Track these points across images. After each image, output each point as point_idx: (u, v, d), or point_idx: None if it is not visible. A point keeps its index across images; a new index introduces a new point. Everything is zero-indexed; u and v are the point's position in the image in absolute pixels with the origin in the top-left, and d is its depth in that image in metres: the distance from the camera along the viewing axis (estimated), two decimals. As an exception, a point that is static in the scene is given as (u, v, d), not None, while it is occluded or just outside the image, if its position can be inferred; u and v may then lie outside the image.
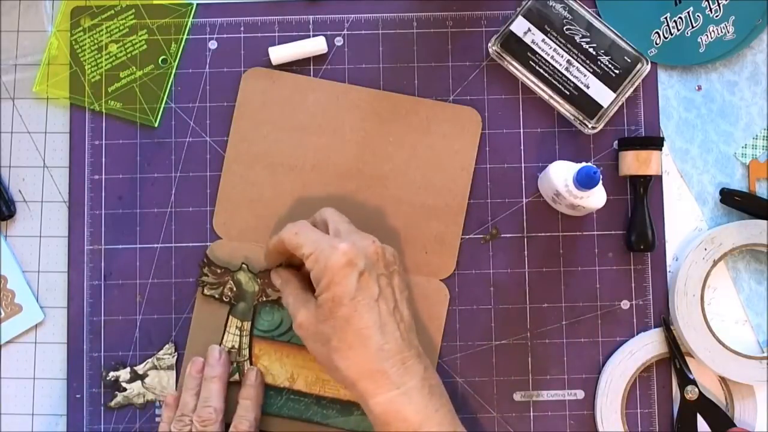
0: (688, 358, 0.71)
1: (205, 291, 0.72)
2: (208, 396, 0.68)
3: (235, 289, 0.72)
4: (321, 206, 0.72)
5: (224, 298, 0.72)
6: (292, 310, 0.65)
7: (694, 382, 0.71)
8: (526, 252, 0.73)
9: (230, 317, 0.72)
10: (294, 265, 0.70)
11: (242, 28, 0.75)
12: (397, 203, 0.73)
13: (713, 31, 0.73)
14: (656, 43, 0.74)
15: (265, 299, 0.72)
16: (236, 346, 0.71)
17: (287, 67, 0.74)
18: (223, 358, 0.70)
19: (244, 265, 0.72)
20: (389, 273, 0.64)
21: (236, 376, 0.71)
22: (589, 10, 0.73)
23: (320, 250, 0.62)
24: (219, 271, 0.72)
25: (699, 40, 0.73)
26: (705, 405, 0.71)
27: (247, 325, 0.72)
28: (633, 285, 0.73)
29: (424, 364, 0.62)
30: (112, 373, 0.72)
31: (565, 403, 0.72)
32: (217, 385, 0.69)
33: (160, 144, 0.74)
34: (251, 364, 0.71)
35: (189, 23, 0.75)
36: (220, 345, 0.71)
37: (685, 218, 0.74)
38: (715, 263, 0.71)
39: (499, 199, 0.74)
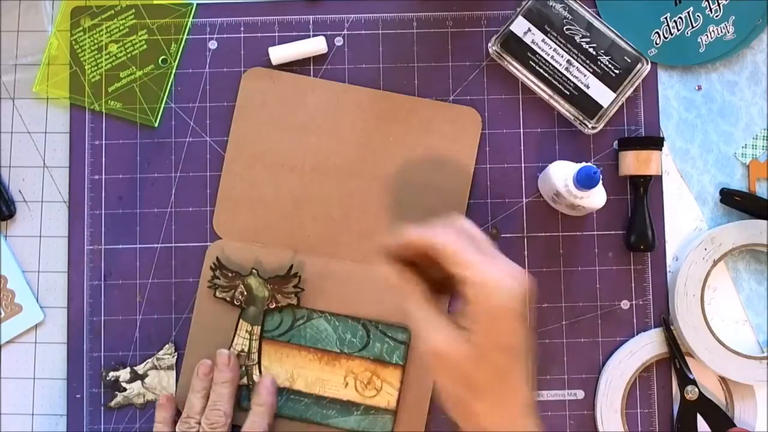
0: (688, 358, 0.71)
1: (217, 294, 0.72)
2: (218, 400, 0.68)
3: (246, 293, 0.72)
4: (321, 206, 0.72)
5: (235, 302, 0.72)
6: (423, 328, 0.54)
7: (694, 382, 0.71)
8: (526, 252, 0.73)
9: (241, 321, 0.72)
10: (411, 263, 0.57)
11: (242, 28, 0.75)
12: (397, 203, 0.73)
13: (713, 31, 0.73)
14: (656, 43, 0.74)
15: (274, 305, 0.71)
16: (245, 349, 0.71)
17: (287, 67, 0.74)
18: (232, 363, 0.70)
19: (254, 270, 0.72)
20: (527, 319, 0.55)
21: (244, 380, 0.71)
22: (589, 10, 0.73)
23: (492, 285, 0.51)
24: (230, 274, 0.72)
25: (699, 40, 0.73)
26: (705, 405, 0.71)
27: (257, 329, 0.71)
28: (633, 285, 0.73)
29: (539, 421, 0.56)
30: (112, 373, 0.72)
31: (565, 403, 0.72)
32: (227, 390, 0.69)
33: (160, 144, 0.74)
34: (260, 368, 0.71)
35: (189, 23, 0.75)
36: (228, 349, 0.71)
37: (685, 218, 0.74)
38: (715, 263, 0.71)
39: (499, 199, 0.74)
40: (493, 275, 0.52)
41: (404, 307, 0.55)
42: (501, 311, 0.51)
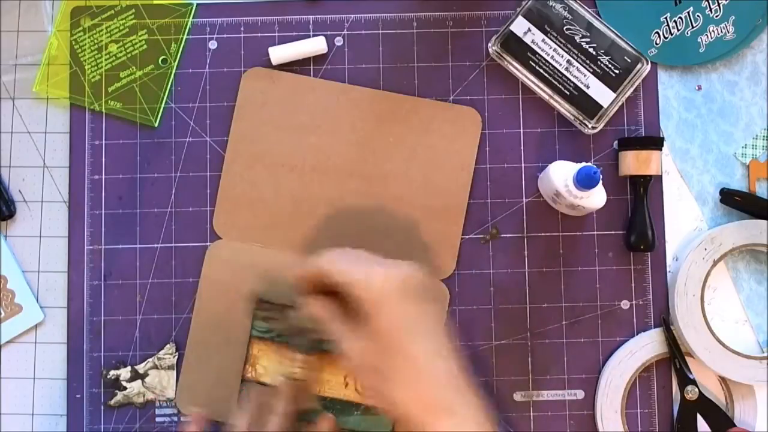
0: (688, 358, 0.71)
1: (263, 326, 0.70)
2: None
3: (291, 325, 0.69)
4: (321, 206, 0.72)
5: (281, 335, 0.70)
6: (338, 341, 0.61)
7: (694, 382, 0.71)
8: (526, 252, 0.73)
9: (289, 350, 0.70)
10: (323, 293, 0.65)
11: (242, 28, 0.75)
12: (397, 203, 0.73)
13: (713, 31, 0.73)
14: (656, 43, 0.74)
15: (320, 335, 0.70)
16: (303, 378, 0.69)
17: (287, 67, 0.74)
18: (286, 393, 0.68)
19: (294, 302, 0.70)
20: (431, 298, 0.63)
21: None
22: (589, 10, 0.73)
23: (358, 277, 0.59)
24: (276, 308, 0.70)
25: (699, 40, 0.73)
26: (705, 405, 0.71)
27: (311, 358, 0.69)
28: (633, 285, 0.73)
29: (473, 393, 0.60)
30: (112, 372, 0.72)
31: (565, 403, 0.72)
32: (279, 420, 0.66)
33: (160, 144, 0.74)
34: (319, 397, 0.70)
35: (189, 23, 0.75)
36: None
37: (685, 218, 0.74)
38: (715, 263, 0.71)
39: (499, 199, 0.74)
40: (368, 272, 0.59)
41: (327, 331, 0.62)
42: (379, 298, 0.58)
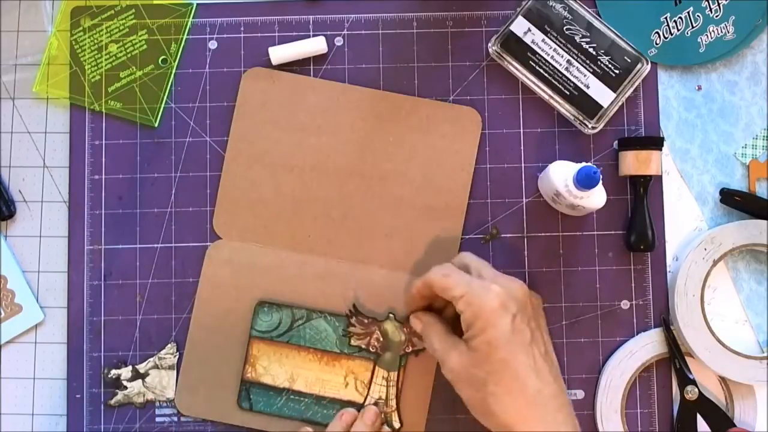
0: (688, 358, 0.71)
1: (352, 342, 0.71)
2: None
3: (381, 339, 0.71)
4: (321, 206, 0.72)
5: (371, 349, 0.71)
6: (441, 355, 0.64)
7: (694, 382, 0.71)
8: (526, 252, 0.73)
9: (376, 368, 0.71)
10: (433, 309, 0.69)
11: (242, 28, 0.75)
12: (397, 203, 0.73)
13: (713, 31, 0.73)
14: (656, 43, 0.74)
15: (411, 349, 0.71)
16: (383, 396, 0.70)
17: (287, 67, 0.74)
18: (377, 423, 0.69)
19: (391, 315, 0.71)
20: (536, 315, 0.64)
21: (385, 428, 0.70)
22: (589, 10, 0.73)
23: (472, 292, 0.61)
24: (366, 321, 0.71)
25: (699, 40, 0.73)
26: (705, 405, 0.71)
27: (393, 375, 0.70)
28: (633, 285, 0.73)
29: (572, 410, 0.62)
30: (113, 371, 0.72)
31: (565, 403, 0.72)
32: None
33: (160, 144, 0.74)
34: (399, 415, 0.70)
35: (189, 23, 0.75)
36: (365, 396, 0.70)
37: (685, 218, 0.74)
38: (715, 263, 0.71)
39: (499, 199, 0.74)
40: (476, 286, 0.61)
41: (428, 345, 0.66)
42: (486, 312, 0.60)
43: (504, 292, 0.61)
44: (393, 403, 0.71)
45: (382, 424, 0.70)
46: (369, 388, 0.71)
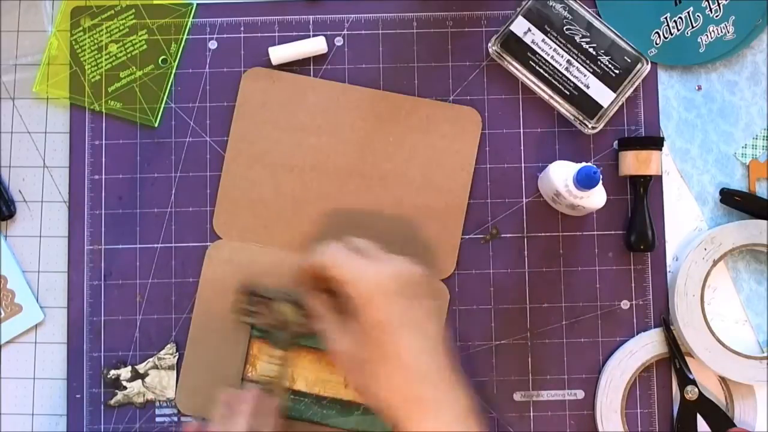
0: (688, 358, 0.71)
1: (248, 320, 0.70)
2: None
3: (277, 318, 0.69)
4: (321, 206, 0.72)
5: (264, 328, 0.70)
6: (328, 336, 0.63)
7: (694, 382, 0.71)
8: (526, 252, 0.73)
9: (268, 346, 0.70)
10: (322, 288, 0.68)
11: (242, 28, 0.75)
12: (397, 203, 0.73)
13: (713, 31, 0.73)
14: (656, 43, 0.74)
15: (307, 329, 0.69)
16: (276, 375, 0.70)
17: (287, 67, 0.74)
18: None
19: (286, 294, 0.71)
20: (423, 296, 0.63)
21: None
22: (589, 10, 0.73)
23: (352, 274, 0.61)
24: (262, 300, 0.70)
25: (699, 40, 0.73)
26: (705, 405, 0.71)
27: (286, 354, 0.69)
28: (633, 285, 0.73)
29: (463, 390, 0.61)
30: (113, 371, 0.72)
31: (565, 403, 0.72)
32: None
33: (160, 144, 0.74)
34: (290, 395, 0.70)
35: (189, 23, 0.75)
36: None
37: (685, 218, 0.74)
38: (715, 263, 0.71)
39: (499, 199, 0.74)
40: (359, 268, 0.61)
41: (318, 325, 0.65)
42: (368, 293, 0.60)
43: (387, 274, 0.60)
44: (285, 382, 0.70)
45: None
46: (251, 366, 0.70)
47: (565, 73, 0.72)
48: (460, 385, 0.61)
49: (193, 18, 0.75)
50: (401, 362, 0.59)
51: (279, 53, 0.73)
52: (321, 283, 0.65)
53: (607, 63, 0.72)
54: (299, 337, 0.69)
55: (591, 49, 0.72)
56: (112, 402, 0.72)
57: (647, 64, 0.72)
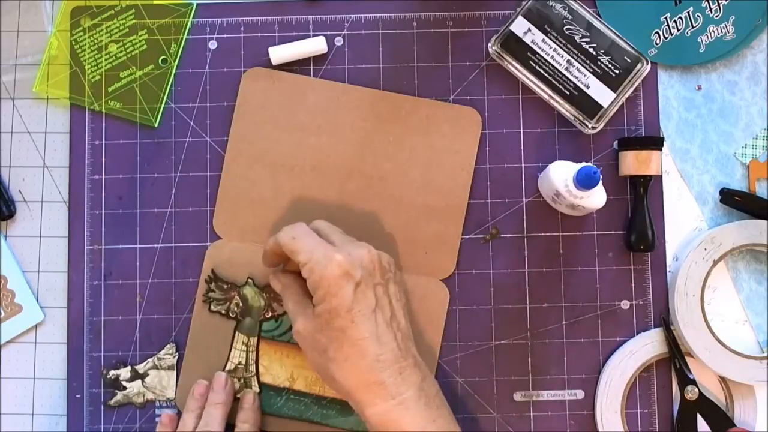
0: (688, 358, 0.71)
1: (212, 307, 0.71)
2: (210, 421, 0.68)
3: (241, 304, 0.71)
4: (321, 206, 0.72)
5: (230, 314, 0.71)
6: (292, 317, 0.65)
7: (694, 382, 0.71)
8: (526, 252, 0.73)
9: (236, 333, 0.71)
10: (293, 269, 0.69)
11: (242, 28, 0.75)
12: (397, 203, 0.73)
13: (713, 31, 0.73)
14: (656, 43, 0.74)
15: (271, 314, 0.71)
16: (243, 362, 0.71)
17: (287, 67, 0.74)
18: (228, 386, 0.70)
19: (250, 280, 0.71)
20: (385, 281, 0.64)
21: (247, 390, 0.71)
22: (589, 10, 0.73)
23: (316, 259, 0.62)
24: (225, 286, 0.71)
25: (699, 40, 0.73)
26: (705, 405, 0.71)
27: (253, 340, 0.71)
28: (633, 285, 0.73)
29: (422, 374, 0.62)
30: (112, 372, 0.72)
31: (565, 403, 0.72)
32: (219, 411, 0.68)
33: (160, 144, 0.74)
34: (258, 380, 0.71)
35: (189, 23, 0.75)
36: (226, 360, 0.71)
37: (685, 218, 0.74)
38: (715, 263, 0.71)
39: (499, 199, 0.74)
40: (318, 251, 0.62)
41: (285, 307, 0.67)
42: (327, 279, 0.61)
43: (347, 260, 0.61)
44: (252, 368, 0.71)
45: (240, 390, 0.71)
46: (229, 354, 0.71)
47: (565, 73, 0.72)
48: (420, 369, 0.62)
49: (193, 18, 0.75)
50: (355, 348, 0.60)
51: (279, 53, 0.73)
52: (289, 264, 0.67)
53: (607, 63, 0.72)
54: (267, 321, 0.71)
55: (591, 49, 0.72)
56: (111, 402, 0.72)
57: (647, 64, 0.72)
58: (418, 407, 0.60)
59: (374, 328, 0.61)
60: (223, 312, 0.71)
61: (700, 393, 0.71)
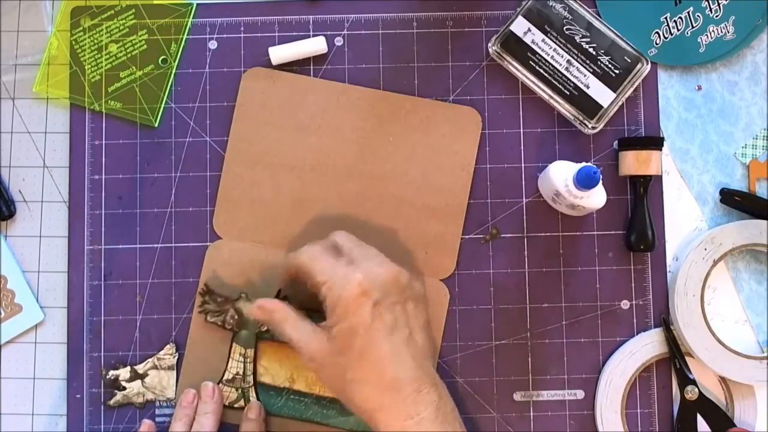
0: (688, 358, 0.71)
1: (208, 318, 0.71)
2: (199, 430, 0.68)
3: (237, 316, 0.71)
4: (321, 206, 0.72)
5: (226, 326, 0.71)
6: (299, 344, 0.63)
7: (694, 382, 0.71)
8: (526, 252, 0.73)
9: (233, 344, 0.71)
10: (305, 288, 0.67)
11: (242, 28, 0.75)
12: (397, 203, 0.73)
13: (713, 31, 0.73)
14: (656, 43, 0.74)
15: (266, 328, 0.71)
16: (240, 372, 0.71)
17: (287, 67, 0.74)
18: (216, 395, 0.70)
19: (243, 295, 0.71)
20: (403, 300, 0.63)
21: (241, 402, 0.71)
22: (589, 10, 0.73)
23: (334, 279, 0.61)
24: (220, 299, 0.71)
25: (699, 40, 0.73)
26: (705, 405, 0.71)
27: (250, 352, 0.71)
28: (633, 285, 0.73)
29: (438, 393, 0.61)
30: (112, 372, 0.72)
31: (565, 403, 0.72)
32: (209, 420, 0.69)
33: (160, 144, 0.74)
34: (256, 391, 0.71)
35: (189, 23, 0.75)
36: (224, 371, 0.71)
37: (685, 218, 0.74)
38: (714, 263, 0.71)
39: (499, 199, 0.74)
40: (337, 271, 0.61)
41: (280, 334, 0.65)
42: (346, 300, 0.60)
43: (367, 279, 0.60)
44: (250, 378, 0.71)
45: (239, 400, 0.71)
46: (227, 365, 0.71)
47: (565, 73, 0.72)
48: (437, 388, 0.61)
49: (193, 18, 0.75)
50: (374, 368, 0.60)
51: (279, 53, 0.73)
52: (302, 284, 0.65)
53: (607, 63, 0.72)
54: (261, 333, 0.71)
55: (591, 49, 0.72)
56: (111, 402, 0.72)
57: (647, 64, 0.72)
58: (434, 426, 0.60)
59: (392, 348, 0.60)
60: (219, 323, 0.71)
61: (700, 393, 0.71)
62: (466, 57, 0.74)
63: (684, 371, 0.71)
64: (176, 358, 0.72)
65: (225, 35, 0.75)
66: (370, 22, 0.75)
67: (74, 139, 0.74)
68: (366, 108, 0.74)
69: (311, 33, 0.75)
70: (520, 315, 0.73)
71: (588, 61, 0.72)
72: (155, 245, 0.73)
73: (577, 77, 0.72)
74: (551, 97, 0.73)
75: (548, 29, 0.73)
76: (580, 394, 0.72)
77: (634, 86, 0.72)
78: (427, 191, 0.73)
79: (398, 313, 0.62)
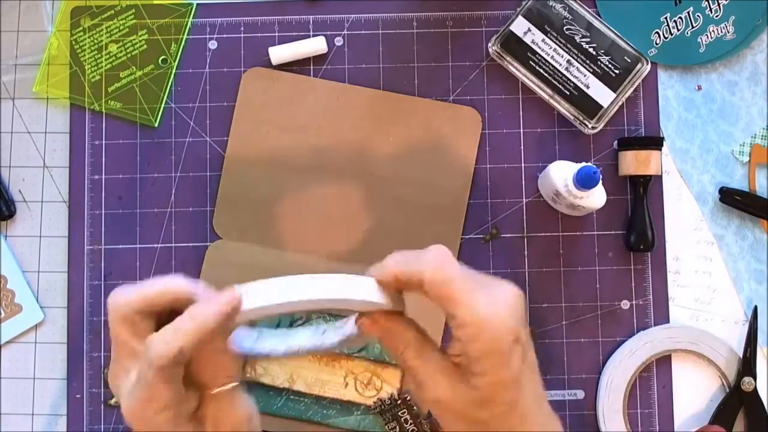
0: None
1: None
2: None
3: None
4: (321, 206, 0.72)
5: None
6: (422, 377, 0.51)
7: (754, 376, 0.70)
8: (526, 252, 0.73)
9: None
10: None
11: (242, 28, 0.75)
12: (397, 203, 0.73)
13: (713, 31, 0.73)
14: (656, 43, 0.74)
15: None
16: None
17: (287, 67, 0.74)
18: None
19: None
20: (526, 325, 0.51)
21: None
22: (589, 10, 0.73)
23: (481, 319, 0.48)
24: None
25: (699, 40, 0.73)
26: (754, 401, 0.70)
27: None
28: (633, 285, 0.73)
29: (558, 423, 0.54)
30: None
31: (565, 403, 0.72)
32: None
33: (160, 144, 0.74)
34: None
35: (189, 23, 0.75)
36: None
37: (685, 218, 0.74)
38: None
39: (499, 199, 0.74)
40: (484, 310, 0.48)
41: (395, 356, 0.53)
42: (496, 347, 0.48)
43: (513, 318, 0.49)
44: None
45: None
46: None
47: (565, 73, 0.72)
48: (556, 418, 0.54)
49: (193, 18, 0.75)
50: (522, 419, 0.50)
51: (279, 53, 0.73)
52: (400, 298, 0.53)
53: (607, 63, 0.72)
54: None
55: (591, 49, 0.72)
56: (111, 402, 0.72)
57: (647, 64, 0.72)
58: None
59: (534, 392, 0.51)
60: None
61: (756, 388, 0.70)
62: (466, 57, 0.75)
63: (752, 362, 0.70)
64: (176, 358, 0.72)
65: (225, 35, 0.75)
66: (370, 22, 0.75)
67: (74, 139, 0.74)
68: (366, 108, 0.74)
69: (311, 33, 0.75)
70: (520, 315, 0.73)
71: (588, 61, 0.72)
72: (155, 245, 0.73)
73: (577, 77, 0.72)
74: (551, 97, 0.73)
75: (548, 29, 0.73)
76: (580, 394, 0.72)
77: (634, 86, 0.73)
78: (427, 191, 0.73)
79: (529, 347, 0.51)
